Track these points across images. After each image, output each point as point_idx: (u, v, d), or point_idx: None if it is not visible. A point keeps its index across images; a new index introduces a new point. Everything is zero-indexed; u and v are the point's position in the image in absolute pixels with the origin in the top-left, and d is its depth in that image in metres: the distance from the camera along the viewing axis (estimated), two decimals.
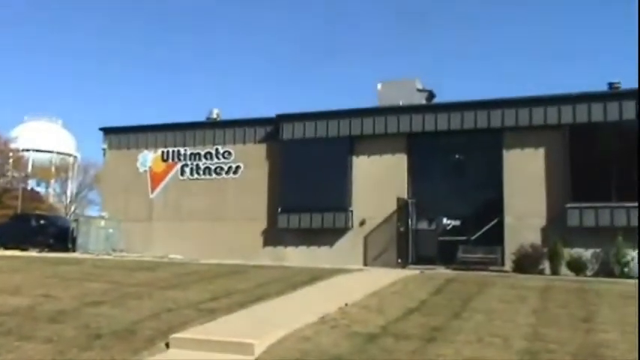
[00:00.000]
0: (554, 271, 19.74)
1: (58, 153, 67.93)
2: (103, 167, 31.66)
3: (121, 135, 28.87)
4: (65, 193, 67.16)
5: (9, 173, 60.05)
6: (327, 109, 24.89)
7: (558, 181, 21.42)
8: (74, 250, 25.04)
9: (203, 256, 22.58)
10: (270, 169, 25.67)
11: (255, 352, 7.53)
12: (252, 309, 10.16)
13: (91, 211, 57.70)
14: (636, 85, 20.86)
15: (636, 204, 19.73)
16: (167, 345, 8.09)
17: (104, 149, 29.22)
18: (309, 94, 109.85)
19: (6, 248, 25.04)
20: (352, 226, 23.81)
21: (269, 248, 25.06)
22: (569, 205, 20.91)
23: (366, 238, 23.64)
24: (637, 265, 18.88)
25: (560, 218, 21.02)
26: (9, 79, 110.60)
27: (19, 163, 61.75)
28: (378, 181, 23.55)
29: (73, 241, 25.77)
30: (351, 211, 23.84)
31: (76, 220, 28.35)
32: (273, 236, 25.09)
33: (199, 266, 17.08)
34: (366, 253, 23.49)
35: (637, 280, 14.96)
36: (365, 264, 22.76)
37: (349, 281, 14.49)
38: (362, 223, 23.67)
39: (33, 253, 23.33)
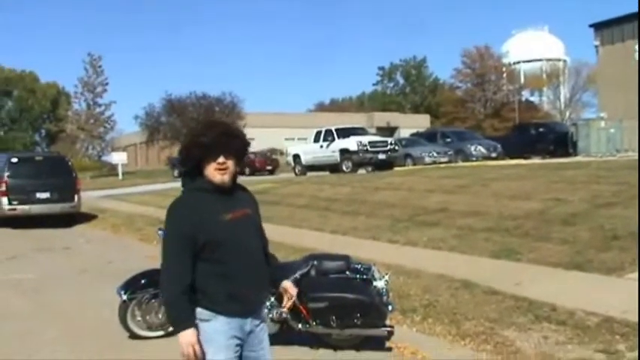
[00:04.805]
0: None
1: (547, 60, 68.00)
2: (596, 66, 30.30)
3: (614, 27, 26.91)
4: (558, 98, 67.28)
5: (504, 87, 63.76)
6: None
7: None
8: (575, 155, 24.89)
9: None
10: None
11: None
12: None
13: (587, 114, 56.56)
14: None
15: None
16: None
17: (596, 46, 27.85)
18: None
19: (510, 158, 26.53)
20: None
21: None
22: None
23: None
24: None
25: None
26: None
27: (512, 76, 64.65)
28: None
29: (574, 145, 25.63)
30: None
31: (575, 125, 28.00)
32: None
33: None
34: None
35: None
36: None
37: None
38: None
39: (535, 160, 24.11)
